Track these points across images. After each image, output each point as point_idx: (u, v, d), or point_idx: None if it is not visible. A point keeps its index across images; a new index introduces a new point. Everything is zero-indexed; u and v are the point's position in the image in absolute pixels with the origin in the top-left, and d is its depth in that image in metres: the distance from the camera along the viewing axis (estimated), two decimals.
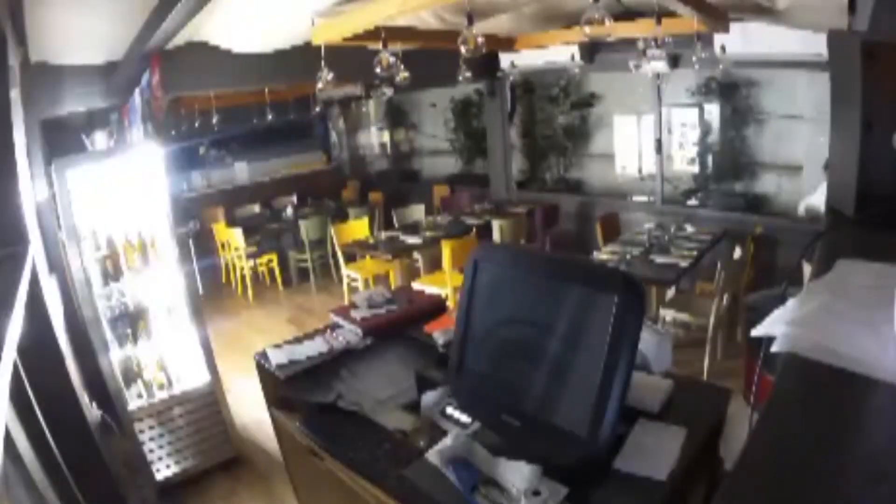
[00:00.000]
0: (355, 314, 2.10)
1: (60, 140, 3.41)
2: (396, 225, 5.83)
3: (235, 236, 5.89)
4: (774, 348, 0.84)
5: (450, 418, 1.42)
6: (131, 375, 2.97)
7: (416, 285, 4.37)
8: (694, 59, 3.30)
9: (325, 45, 2.67)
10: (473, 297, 1.37)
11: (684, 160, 5.73)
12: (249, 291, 6.04)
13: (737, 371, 3.39)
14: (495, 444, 1.24)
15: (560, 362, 1.21)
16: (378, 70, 2.53)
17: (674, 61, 4.53)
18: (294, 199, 7.57)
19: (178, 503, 2.90)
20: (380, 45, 2.57)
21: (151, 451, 2.90)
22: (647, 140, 5.71)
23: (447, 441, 1.27)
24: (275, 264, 6.26)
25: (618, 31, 2.33)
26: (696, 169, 5.73)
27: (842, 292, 0.94)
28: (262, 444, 3.21)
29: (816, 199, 4.29)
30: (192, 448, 3.01)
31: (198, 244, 6.20)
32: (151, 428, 2.90)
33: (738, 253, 3.76)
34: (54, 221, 2.79)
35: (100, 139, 3.63)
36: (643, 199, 5.84)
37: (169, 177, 3.08)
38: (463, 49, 2.06)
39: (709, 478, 1.33)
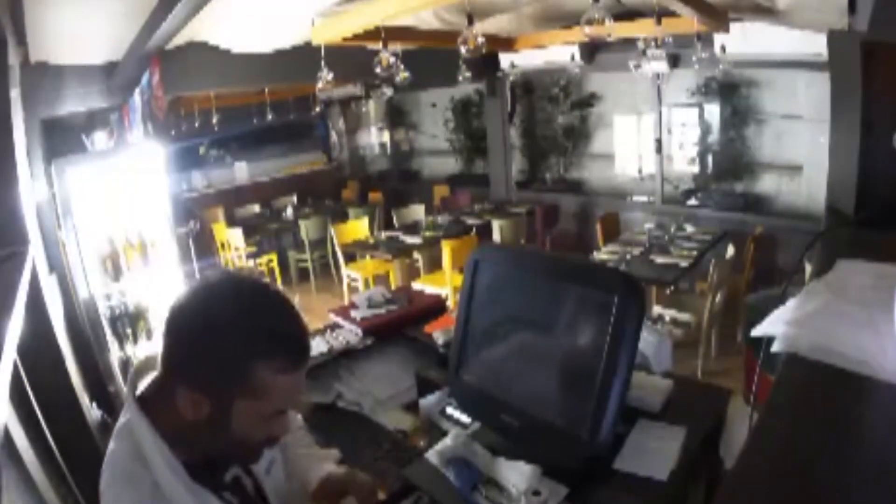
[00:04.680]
0: (355, 314, 2.10)
1: (60, 140, 3.40)
2: (396, 225, 5.83)
3: (235, 236, 5.88)
4: (774, 348, 0.84)
5: (450, 418, 1.42)
6: None
7: (416, 285, 4.37)
8: (694, 59, 3.31)
9: (325, 45, 2.67)
10: (473, 298, 1.36)
11: (684, 160, 5.73)
12: None
13: (732, 370, 3.39)
14: (495, 444, 1.24)
15: (560, 362, 1.21)
16: (378, 70, 2.53)
17: (674, 61, 4.53)
18: (294, 199, 7.56)
19: None
20: (380, 45, 2.57)
21: None
22: (646, 140, 5.71)
23: (447, 441, 1.26)
24: (275, 264, 6.25)
25: (618, 31, 2.33)
26: (696, 169, 5.72)
27: (842, 292, 0.94)
28: None
29: None
30: None
31: (198, 244, 6.19)
32: None
33: (730, 251, 3.76)
34: (54, 221, 2.80)
35: (100, 139, 3.63)
36: (643, 199, 5.84)
37: (169, 177, 3.08)
38: (463, 49, 2.06)
39: (709, 478, 1.33)
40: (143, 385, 0.85)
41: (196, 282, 0.83)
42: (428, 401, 1.49)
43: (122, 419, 0.82)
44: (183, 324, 0.78)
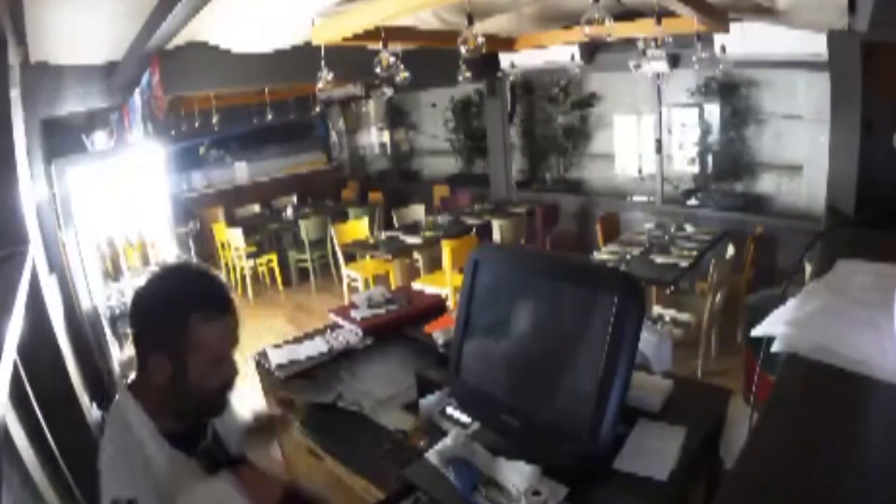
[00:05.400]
0: (355, 314, 2.10)
1: (60, 140, 3.41)
2: (396, 225, 5.82)
3: (235, 236, 5.88)
4: (774, 348, 0.84)
5: (450, 418, 1.42)
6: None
7: (416, 285, 4.37)
8: (694, 59, 3.30)
9: (325, 45, 2.67)
10: (473, 298, 1.37)
11: (684, 160, 5.72)
12: (249, 291, 6.04)
13: (732, 370, 3.39)
14: (495, 444, 1.24)
15: (560, 362, 1.21)
16: (378, 70, 2.53)
17: (674, 61, 4.53)
18: (294, 199, 7.56)
19: None
20: (380, 45, 2.57)
21: None
22: (646, 140, 5.71)
23: (447, 441, 1.27)
24: (275, 264, 6.25)
25: (618, 31, 2.33)
26: (696, 169, 5.72)
27: (842, 292, 0.94)
28: None
29: None
30: None
31: (198, 244, 6.20)
32: None
33: (730, 251, 3.76)
34: (54, 221, 2.80)
35: (100, 139, 3.64)
36: (643, 199, 5.84)
37: (169, 177, 3.08)
38: (463, 49, 2.06)
39: (709, 478, 1.33)
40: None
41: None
42: (428, 401, 1.49)
43: (113, 403, 1.03)
44: (137, 306, 1.03)
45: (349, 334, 2.03)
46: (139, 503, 0.90)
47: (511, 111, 6.51)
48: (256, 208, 7.34)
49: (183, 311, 0.97)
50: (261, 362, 1.94)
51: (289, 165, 8.35)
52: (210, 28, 3.07)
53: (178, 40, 3.02)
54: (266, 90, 5.84)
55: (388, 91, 5.47)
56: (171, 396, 0.99)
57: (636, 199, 5.94)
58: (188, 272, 1.08)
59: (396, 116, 8.77)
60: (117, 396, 1.02)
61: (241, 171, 7.89)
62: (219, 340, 1.01)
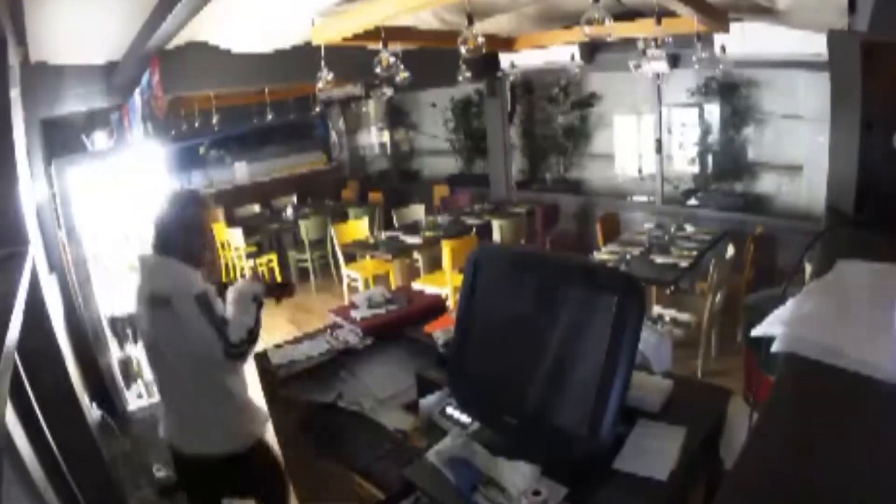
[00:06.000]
0: (355, 314, 2.10)
1: (60, 140, 3.40)
2: (396, 225, 5.82)
3: (235, 236, 5.88)
4: (774, 348, 0.84)
5: (450, 418, 1.42)
6: (131, 375, 2.97)
7: (416, 285, 4.37)
8: (694, 59, 3.30)
9: (325, 45, 2.67)
10: (473, 298, 1.36)
11: (684, 160, 5.73)
12: None
13: (732, 370, 3.38)
14: (495, 444, 1.24)
15: (560, 362, 1.21)
16: (378, 70, 2.53)
17: (674, 61, 4.53)
18: (294, 199, 7.56)
19: (178, 503, 2.90)
20: (380, 45, 2.57)
21: (151, 451, 2.89)
22: (646, 140, 5.71)
23: (447, 441, 1.27)
24: (275, 264, 6.25)
25: (618, 31, 2.33)
26: (696, 169, 5.72)
27: (842, 292, 0.94)
28: None
29: None
30: None
31: None
32: (151, 428, 2.90)
33: (730, 251, 3.76)
34: (54, 221, 2.80)
35: (100, 139, 3.63)
36: (643, 199, 5.84)
37: (169, 177, 3.08)
38: (463, 49, 2.06)
39: (709, 478, 1.33)
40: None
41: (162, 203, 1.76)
42: (428, 401, 1.49)
43: (145, 263, 1.75)
44: (167, 215, 1.72)
45: (349, 334, 2.03)
46: (208, 292, 1.63)
47: (511, 111, 6.51)
48: (256, 208, 7.34)
49: (198, 210, 1.74)
50: (261, 362, 1.94)
51: (289, 165, 8.35)
52: (210, 28, 3.07)
53: (178, 40, 3.02)
54: (266, 90, 5.83)
55: (388, 91, 5.47)
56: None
57: (636, 199, 5.94)
58: (189, 192, 1.88)
59: (396, 116, 8.77)
60: (153, 258, 1.72)
61: (241, 171, 7.89)
62: (209, 224, 1.83)
